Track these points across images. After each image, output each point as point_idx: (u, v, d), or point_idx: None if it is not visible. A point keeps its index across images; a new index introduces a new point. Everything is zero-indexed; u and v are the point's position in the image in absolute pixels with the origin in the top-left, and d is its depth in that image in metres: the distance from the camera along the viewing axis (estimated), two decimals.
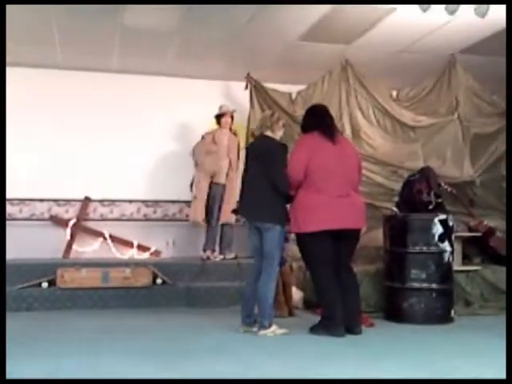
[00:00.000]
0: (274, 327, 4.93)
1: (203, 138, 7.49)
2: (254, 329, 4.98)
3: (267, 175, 4.96)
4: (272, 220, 4.96)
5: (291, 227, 5.13)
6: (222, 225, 7.37)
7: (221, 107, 7.52)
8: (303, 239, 5.02)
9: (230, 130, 7.51)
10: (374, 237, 6.58)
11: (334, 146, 5.04)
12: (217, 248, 7.43)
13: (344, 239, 5.03)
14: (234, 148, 7.47)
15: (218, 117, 7.48)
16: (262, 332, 4.91)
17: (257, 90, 7.68)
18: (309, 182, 4.93)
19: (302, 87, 7.80)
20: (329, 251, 4.96)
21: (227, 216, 7.20)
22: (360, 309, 5.22)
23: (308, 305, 6.25)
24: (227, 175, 7.38)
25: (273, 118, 5.29)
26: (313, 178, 4.92)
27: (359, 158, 5.43)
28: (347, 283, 5.08)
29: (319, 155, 4.96)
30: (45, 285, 6.36)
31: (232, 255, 7.32)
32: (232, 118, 7.52)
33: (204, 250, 7.32)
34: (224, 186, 7.35)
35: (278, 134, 5.26)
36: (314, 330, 5.01)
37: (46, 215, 7.91)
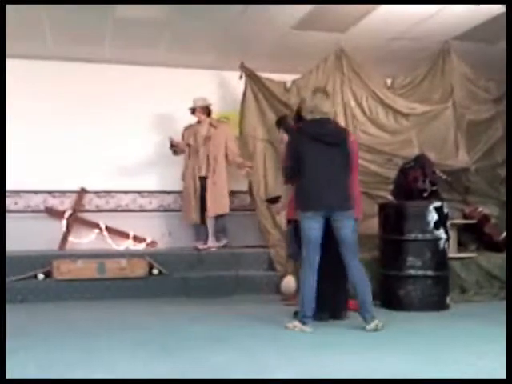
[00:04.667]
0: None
1: (183, 133, 7.53)
2: (369, 325, 4.71)
3: (347, 161, 4.88)
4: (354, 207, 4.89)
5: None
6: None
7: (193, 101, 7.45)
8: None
9: (211, 123, 7.44)
10: (370, 225, 6.59)
11: None
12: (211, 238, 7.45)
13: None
14: (218, 140, 7.35)
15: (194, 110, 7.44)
16: (373, 324, 4.71)
17: (251, 79, 7.65)
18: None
19: (296, 76, 7.75)
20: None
21: (216, 210, 7.22)
22: (347, 296, 5.30)
23: None
24: (209, 168, 7.28)
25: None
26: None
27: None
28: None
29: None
30: (41, 276, 6.39)
31: (223, 242, 7.33)
32: (208, 111, 7.46)
33: (197, 240, 7.36)
34: (205, 178, 7.27)
35: None
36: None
37: (42, 207, 7.88)
